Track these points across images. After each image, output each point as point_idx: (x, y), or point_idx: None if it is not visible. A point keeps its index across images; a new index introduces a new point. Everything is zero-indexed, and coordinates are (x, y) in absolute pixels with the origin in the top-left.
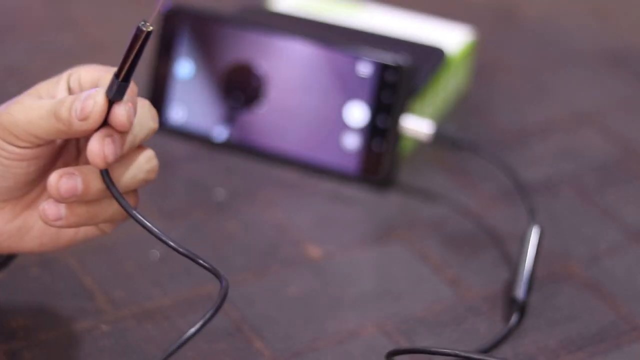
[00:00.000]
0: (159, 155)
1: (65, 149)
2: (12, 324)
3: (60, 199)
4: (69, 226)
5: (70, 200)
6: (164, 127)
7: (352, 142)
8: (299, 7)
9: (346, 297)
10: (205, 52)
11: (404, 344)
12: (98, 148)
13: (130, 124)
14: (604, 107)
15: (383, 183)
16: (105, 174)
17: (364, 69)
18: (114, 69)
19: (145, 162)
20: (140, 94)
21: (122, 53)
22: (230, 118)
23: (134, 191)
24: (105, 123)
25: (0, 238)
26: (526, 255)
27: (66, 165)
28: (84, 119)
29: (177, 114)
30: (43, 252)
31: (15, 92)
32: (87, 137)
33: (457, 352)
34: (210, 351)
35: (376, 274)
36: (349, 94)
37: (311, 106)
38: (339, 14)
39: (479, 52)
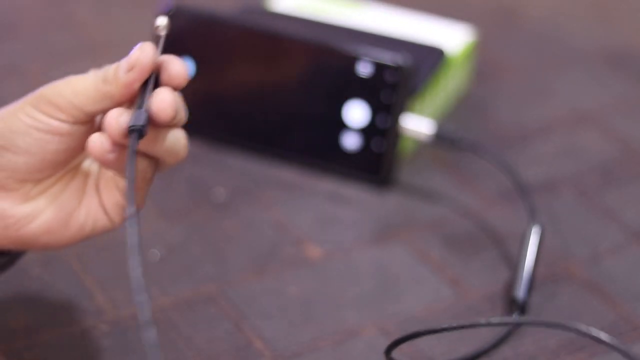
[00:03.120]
0: None
1: None
2: (12, 324)
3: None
4: (116, 164)
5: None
6: None
7: (352, 142)
8: (299, 7)
9: (346, 297)
10: (206, 52)
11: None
12: (170, 97)
13: (183, 80)
14: (604, 107)
15: (383, 183)
16: (137, 136)
17: (364, 69)
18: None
19: (182, 137)
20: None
21: (121, 53)
22: (230, 118)
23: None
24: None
25: (8, 222)
26: (526, 255)
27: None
28: (130, 68)
29: None
30: (48, 247)
31: (15, 92)
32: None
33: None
34: (210, 351)
35: (376, 274)
36: (349, 94)
37: (311, 106)
38: (339, 14)
39: (479, 52)
